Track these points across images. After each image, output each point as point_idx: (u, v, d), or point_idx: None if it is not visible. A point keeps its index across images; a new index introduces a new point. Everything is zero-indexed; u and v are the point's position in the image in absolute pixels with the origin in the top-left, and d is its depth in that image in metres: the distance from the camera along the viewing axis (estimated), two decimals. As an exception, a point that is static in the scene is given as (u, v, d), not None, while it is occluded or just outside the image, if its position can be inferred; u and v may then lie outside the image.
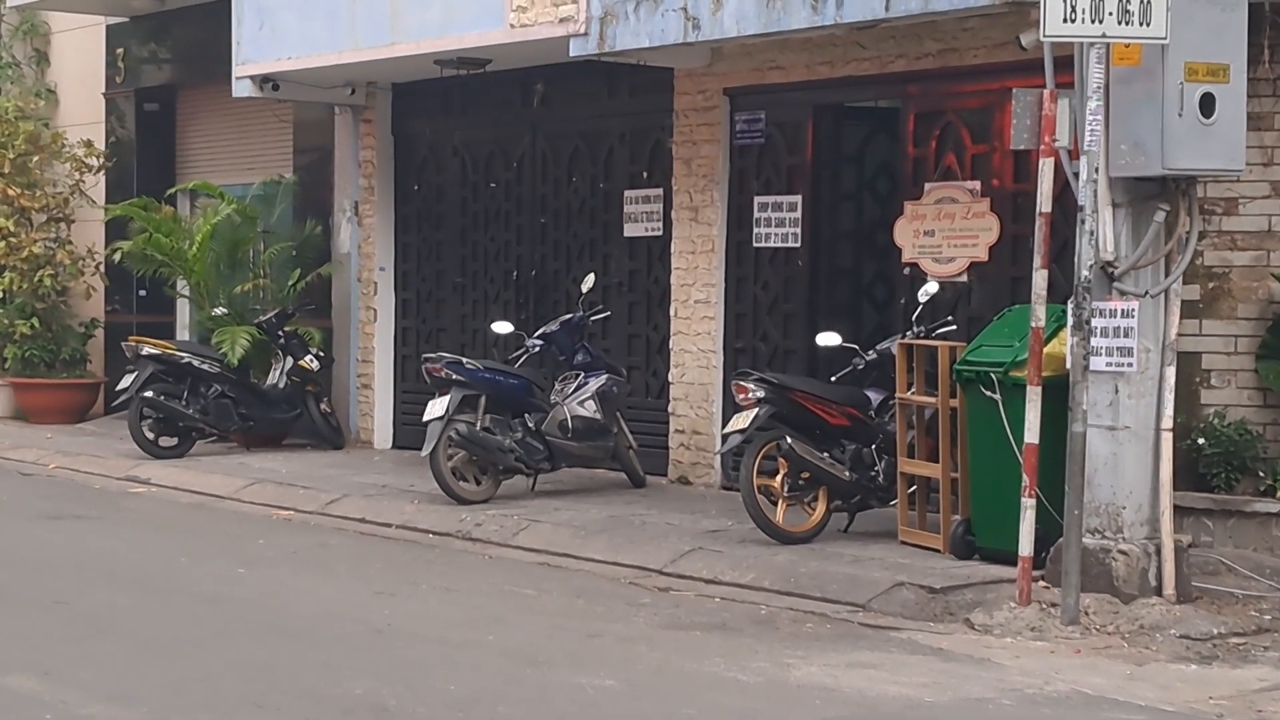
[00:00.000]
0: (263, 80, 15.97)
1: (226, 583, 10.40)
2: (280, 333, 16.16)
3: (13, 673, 7.85)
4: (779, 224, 13.25)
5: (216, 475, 14.65)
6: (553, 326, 13.66)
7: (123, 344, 16.29)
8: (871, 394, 11.53)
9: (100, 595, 9.93)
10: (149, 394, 15.66)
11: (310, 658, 8.32)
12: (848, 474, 11.20)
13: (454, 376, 12.89)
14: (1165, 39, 8.92)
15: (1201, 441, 10.21)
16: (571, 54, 12.93)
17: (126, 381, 15.78)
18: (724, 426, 12.13)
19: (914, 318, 11.24)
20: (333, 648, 8.58)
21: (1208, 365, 10.43)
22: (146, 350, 15.85)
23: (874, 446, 11.35)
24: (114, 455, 15.92)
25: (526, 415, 13.22)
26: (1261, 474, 10.21)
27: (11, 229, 18.70)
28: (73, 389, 19.24)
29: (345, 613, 9.48)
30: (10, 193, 18.75)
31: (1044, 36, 9.06)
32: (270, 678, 7.87)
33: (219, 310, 16.66)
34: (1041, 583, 9.44)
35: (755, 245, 13.44)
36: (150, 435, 15.78)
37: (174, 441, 15.89)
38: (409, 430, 15.81)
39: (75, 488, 14.84)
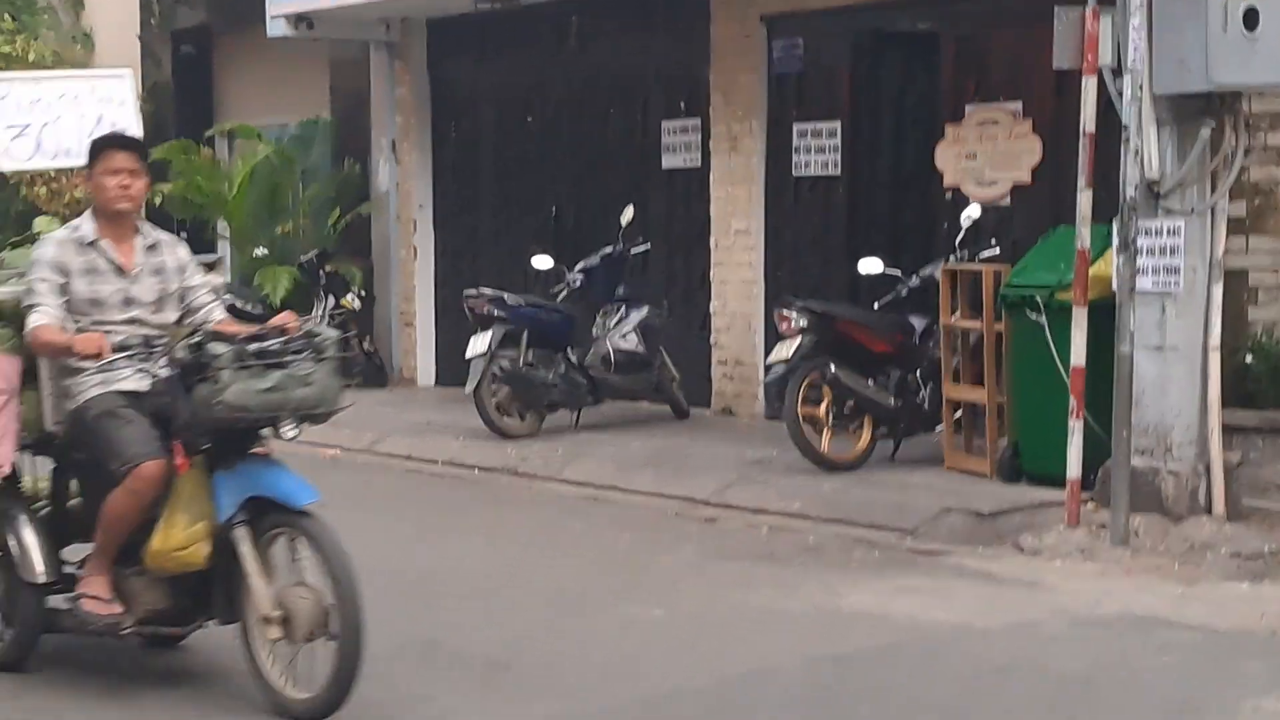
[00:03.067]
0: (297, 19, 15.93)
1: (275, 522, 10.42)
2: (321, 273, 16.18)
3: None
4: (819, 151, 13.17)
5: (262, 416, 14.66)
6: (593, 260, 13.62)
7: (166, 288, 16.32)
8: (915, 320, 11.47)
9: (150, 537, 9.96)
10: (193, 337, 15.70)
11: (360, 594, 8.34)
12: (893, 401, 11.16)
13: (496, 312, 12.88)
14: (1208, -48, 8.81)
15: (1249, 359, 10.12)
16: (607, -15, 12.85)
17: (170, 326, 15.81)
18: (767, 356, 12.09)
19: (957, 242, 11.17)
20: (381, 585, 8.56)
21: (1254, 282, 10.32)
22: (189, 294, 15.87)
23: (918, 373, 11.31)
24: (160, 399, 15.96)
25: (569, 350, 13.20)
26: (1311, 390, 10.13)
27: (53, 175, 18.74)
28: (117, 334, 19.30)
29: (393, 550, 9.49)
30: (49, 139, 18.77)
31: (1085, -47, 8.96)
32: (321, 615, 7.89)
33: (260, 252, 16.68)
34: (1090, 505, 9.41)
35: (795, 174, 13.35)
36: (195, 378, 15.83)
37: (219, 384, 15.93)
38: (452, 367, 15.82)
39: (122, 432, 14.88)
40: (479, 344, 12.75)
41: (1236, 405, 9.99)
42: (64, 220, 19.42)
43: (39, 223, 8.19)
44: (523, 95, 15.81)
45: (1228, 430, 9.54)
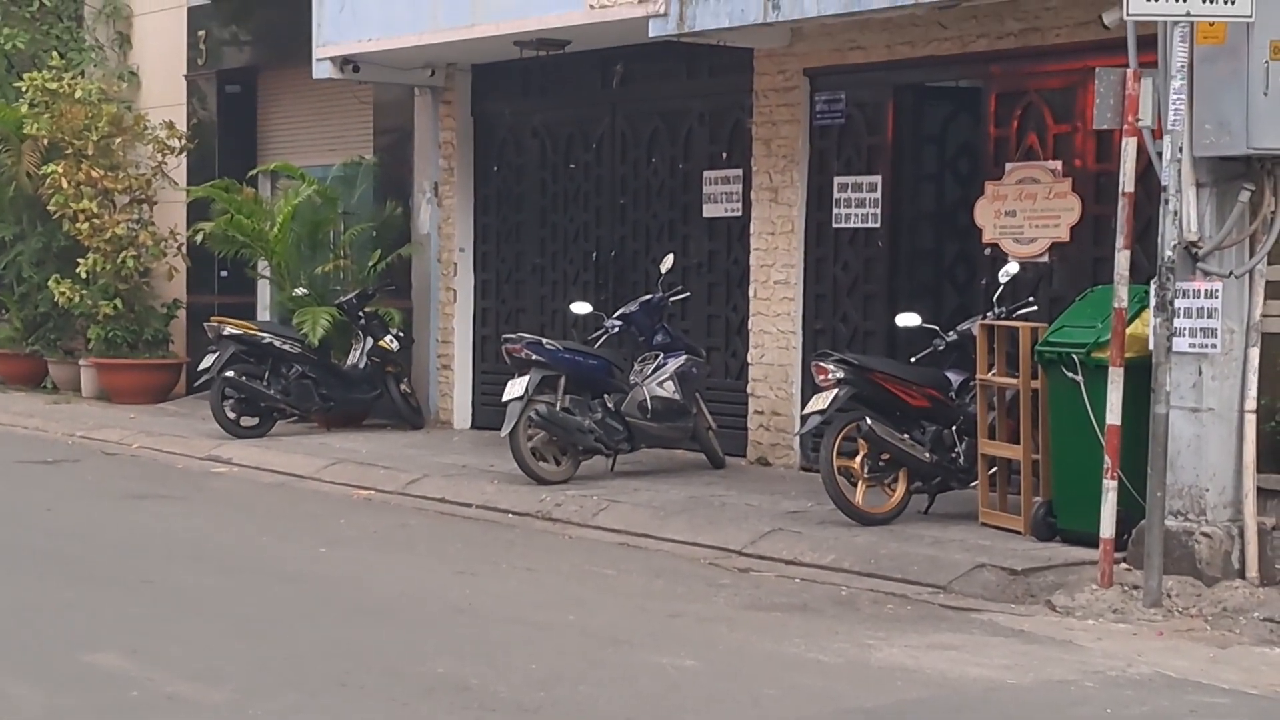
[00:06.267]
0: (343, 62, 16.07)
1: (309, 562, 10.49)
2: (360, 313, 16.27)
3: (100, 650, 7.95)
4: (859, 204, 13.22)
5: (297, 455, 14.76)
6: (632, 307, 13.68)
7: (204, 324, 16.45)
8: (952, 375, 11.49)
9: (185, 574, 10.04)
10: (230, 374, 15.81)
11: (392, 637, 8.39)
12: (928, 455, 11.17)
13: (533, 357, 12.93)
14: (1250, 17, 8.84)
15: (1286, 423, 10.10)
16: (651, 35, 12.94)
17: (208, 362, 15.93)
18: (803, 407, 12.11)
19: (995, 298, 11.20)
20: (414, 627, 8.64)
21: (1292, 346, 10.30)
22: (228, 331, 15.99)
23: (954, 428, 11.32)
24: (196, 435, 16.07)
25: (606, 396, 13.24)
26: (1347, 456, 10.09)
27: (95, 210, 18.88)
28: (155, 369, 19.45)
29: (427, 592, 9.55)
30: (94, 174, 18.93)
31: (1127, 15, 9.00)
32: (353, 656, 7.93)
33: (300, 291, 16.78)
34: (1123, 565, 9.40)
35: (835, 226, 13.40)
36: (232, 415, 15.93)
37: (255, 421, 16.03)
38: (488, 410, 15.88)
39: (158, 467, 14.99)
40: (516, 388, 12.80)
41: (1272, 469, 9.96)
42: (106, 256, 19.75)
43: None
44: (565, 141, 15.91)
45: (1263, 494, 9.52)
